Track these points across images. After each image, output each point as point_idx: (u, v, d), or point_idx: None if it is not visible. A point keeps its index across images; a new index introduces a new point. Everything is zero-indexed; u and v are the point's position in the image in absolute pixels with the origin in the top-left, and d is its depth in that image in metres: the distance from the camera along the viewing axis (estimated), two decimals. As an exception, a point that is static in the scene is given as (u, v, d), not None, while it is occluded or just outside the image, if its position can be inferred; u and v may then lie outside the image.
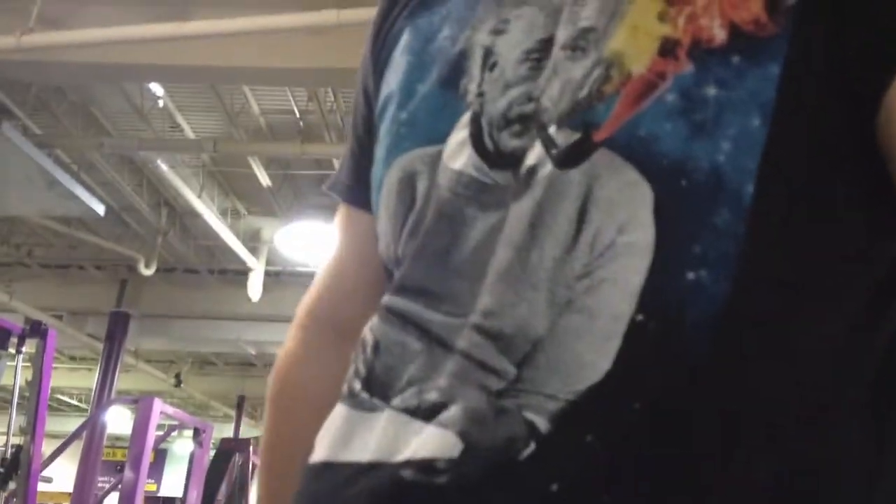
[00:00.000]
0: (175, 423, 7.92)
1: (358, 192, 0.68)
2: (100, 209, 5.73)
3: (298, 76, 4.71)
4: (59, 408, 17.02)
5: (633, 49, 0.46)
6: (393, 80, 0.60)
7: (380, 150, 0.59)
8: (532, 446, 0.42)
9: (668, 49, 0.45)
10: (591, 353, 0.43)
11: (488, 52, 0.53)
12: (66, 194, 5.37)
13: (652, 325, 0.42)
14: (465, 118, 0.52)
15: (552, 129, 0.47)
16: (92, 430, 8.68)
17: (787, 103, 0.42)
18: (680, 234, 0.43)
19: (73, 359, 13.55)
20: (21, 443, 4.82)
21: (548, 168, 0.46)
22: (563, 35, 0.50)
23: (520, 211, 0.47)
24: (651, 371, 0.42)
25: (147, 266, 8.29)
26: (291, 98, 5.93)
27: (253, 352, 10.80)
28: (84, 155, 6.78)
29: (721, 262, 0.42)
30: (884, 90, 0.42)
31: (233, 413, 15.50)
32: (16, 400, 4.95)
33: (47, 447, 5.80)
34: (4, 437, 4.93)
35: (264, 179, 7.06)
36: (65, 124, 6.28)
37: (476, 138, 0.51)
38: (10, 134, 4.65)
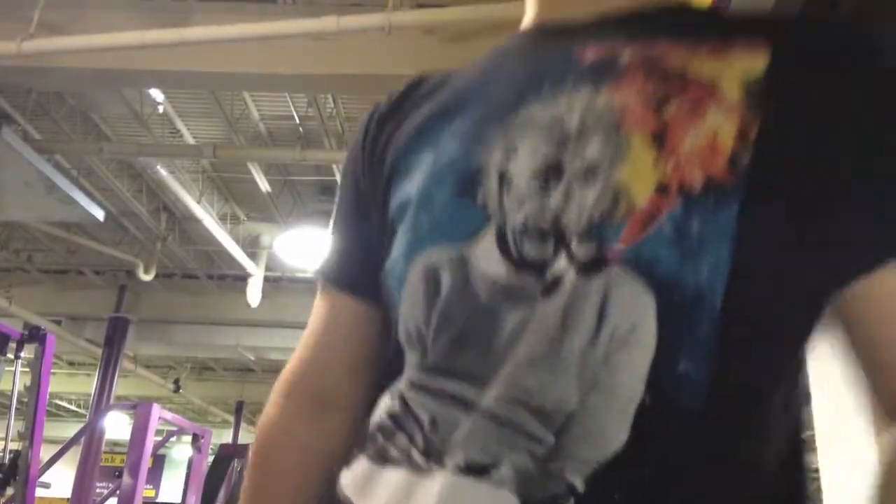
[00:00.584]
0: (174, 428, 7.92)
1: (343, 279, 0.80)
2: (99, 214, 5.74)
3: (298, 82, 4.72)
4: (58, 413, 17.01)
5: (636, 185, 0.58)
6: (409, 186, 0.70)
7: (400, 247, 0.68)
8: (572, 502, 0.54)
9: (661, 189, 0.58)
10: (613, 426, 0.55)
11: (503, 173, 0.64)
12: (65, 199, 5.38)
13: (656, 405, 0.55)
14: (490, 227, 0.63)
15: (573, 244, 0.59)
16: (90, 436, 8.67)
17: (745, 237, 0.56)
18: (674, 335, 0.55)
19: (71, 364, 13.54)
20: (19, 448, 4.82)
21: (572, 275, 0.58)
22: (571, 164, 0.62)
23: (550, 309, 0.58)
24: (656, 442, 0.55)
25: (146, 271, 8.30)
26: (291, 104, 5.94)
27: (252, 357, 10.80)
28: (84, 160, 6.79)
29: (701, 358, 0.55)
30: (845, 283, 0.60)
31: (231, 419, 15.49)
32: (14, 405, 4.94)
33: (45, 452, 5.80)
34: (3, 443, 4.92)
35: (264, 185, 7.07)
36: (65, 130, 6.29)
37: (502, 246, 0.62)
38: (10, 139, 4.65)
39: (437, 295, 0.64)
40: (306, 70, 4.40)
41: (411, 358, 0.66)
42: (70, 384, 14.25)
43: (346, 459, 0.69)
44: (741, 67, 0.62)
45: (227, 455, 8.82)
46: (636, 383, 0.55)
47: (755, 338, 0.59)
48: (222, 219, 7.73)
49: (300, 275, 9.09)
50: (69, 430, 14.56)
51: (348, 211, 0.82)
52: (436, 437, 0.60)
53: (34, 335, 4.98)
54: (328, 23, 3.90)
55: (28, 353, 5.06)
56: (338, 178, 6.81)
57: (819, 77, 0.61)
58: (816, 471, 4.18)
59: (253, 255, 8.38)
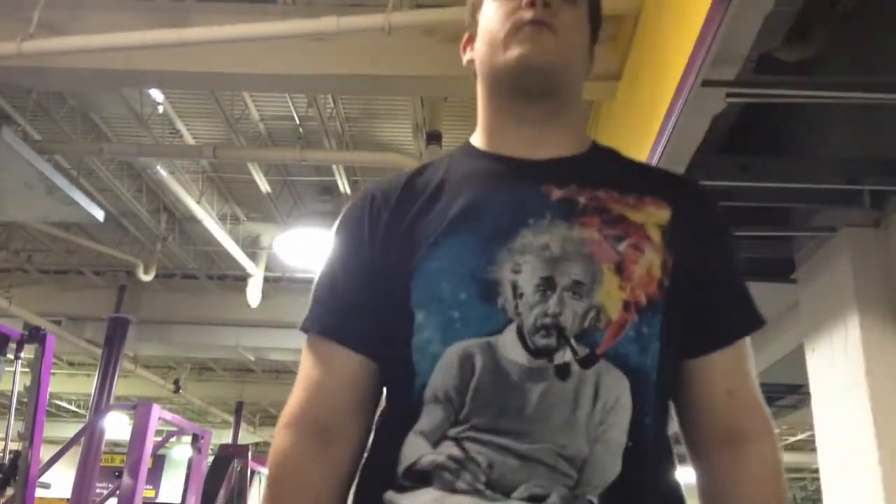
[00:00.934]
0: (173, 428, 7.92)
1: (344, 333, 1.02)
2: (99, 215, 5.74)
3: (298, 82, 4.72)
4: (58, 413, 17.01)
5: (609, 304, 0.94)
6: (433, 285, 0.97)
7: (433, 332, 0.95)
8: None
9: (626, 306, 0.94)
10: (611, 463, 0.91)
11: (515, 285, 0.95)
12: (65, 200, 5.38)
13: (635, 447, 0.93)
14: (511, 326, 0.94)
15: (573, 342, 0.93)
16: (90, 436, 8.67)
17: (665, 333, 0.96)
18: (641, 401, 0.94)
19: (71, 364, 13.54)
20: (19, 448, 4.82)
21: (576, 367, 0.93)
22: (561, 280, 0.95)
23: (565, 390, 0.92)
24: (637, 471, 0.93)
25: (146, 272, 8.30)
26: (291, 104, 5.94)
27: (252, 358, 10.79)
28: (83, 160, 6.79)
29: (652, 412, 0.95)
30: (703, 355, 1.03)
31: (231, 419, 15.49)
32: (14, 405, 4.94)
33: (45, 453, 5.79)
34: (3, 443, 4.92)
35: (264, 185, 7.07)
36: (64, 130, 6.29)
37: (522, 340, 0.94)
38: (10, 139, 4.65)
39: (473, 373, 0.93)
40: (306, 70, 4.40)
41: (436, 412, 0.94)
42: (70, 384, 14.24)
43: (399, 487, 0.93)
44: (657, 217, 1.02)
45: (227, 455, 8.82)
46: (622, 435, 0.93)
47: (665, 394, 1.01)
48: (222, 219, 7.73)
49: (300, 275, 9.09)
50: (69, 430, 14.55)
51: (357, 274, 1.03)
52: (495, 475, 0.90)
53: (34, 335, 4.98)
54: (328, 23, 3.89)
55: (28, 353, 5.06)
56: (338, 178, 6.82)
57: (697, 227, 1.05)
58: (816, 471, 4.17)
59: (253, 256, 8.38)
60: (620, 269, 0.96)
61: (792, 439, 15.62)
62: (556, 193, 1.01)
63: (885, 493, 3.21)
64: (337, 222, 1.11)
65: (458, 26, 4.69)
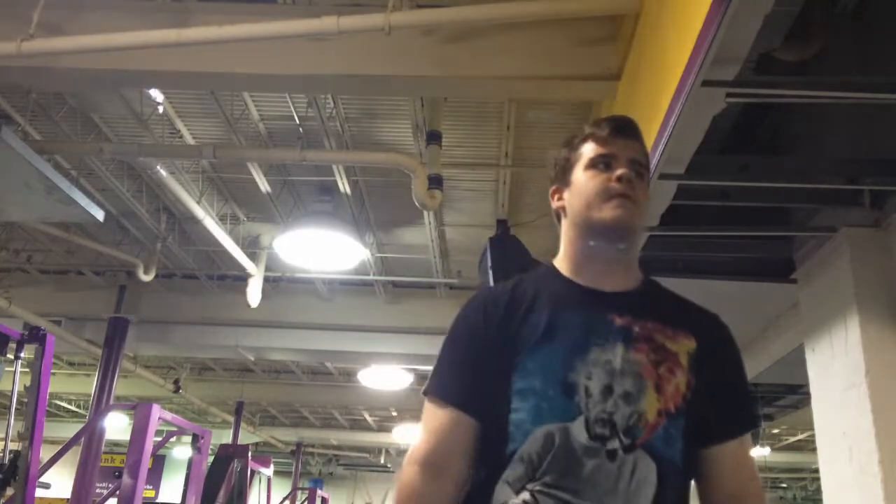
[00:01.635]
0: (174, 428, 7.92)
1: (471, 404, 1.43)
2: (99, 215, 5.73)
3: (298, 82, 4.72)
4: (58, 413, 17.01)
5: (649, 410, 1.37)
6: (529, 380, 1.39)
7: (526, 415, 1.37)
8: None
9: (659, 413, 1.37)
10: None
11: (587, 388, 1.37)
12: (65, 200, 5.37)
13: None
14: (581, 416, 1.35)
15: (622, 434, 1.34)
16: (90, 436, 8.68)
17: (687, 433, 1.40)
18: (663, 480, 1.35)
19: (71, 364, 13.54)
20: (19, 448, 4.82)
21: (622, 452, 1.34)
22: (618, 389, 1.37)
23: (613, 467, 1.33)
24: None
25: (146, 272, 8.29)
26: (291, 104, 5.94)
27: (252, 358, 10.79)
28: (83, 161, 6.79)
29: (675, 491, 1.38)
30: (720, 444, 1.47)
31: (231, 419, 15.49)
32: (14, 405, 4.94)
33: (45, 453, 5.79)
34: (2, 443, 4.92)
35: (264, 185, 7.07)
36: (64, 130, 6.28)
37: (587, 428, 1.34)
38: (10, 139, 4.65)
39: (552, 446, 1.34)
40: (306, 70, 4.40)
41: (519, 468, 1.35)
42: (70, 384, 14.24)
43: None
44: (686, 346, 1.45)
45: (227, 455, 8.82)
46: (647, 501, 1.33)
47: (687, 476, 1.43)
48: (222, 219, 7.72)
49: (300, 275, 9.09)
50: (69, 430, 14.55)
51: (475, 363, 1.45)
52: None
53: (34, 335, 4.97)
54: (328, 23, 3.89)
55: (28, 353, 5.06)
56: (338, 178, 6.82)
57: (715, 354, 1.49)
58: (816, 471, 4.17)
59: (253, 256, 8.38)
60: (658, 386, 1.39)
61: (792, 439, 15.61)
62: (618, 321, 1.43)
63: (885, 493, 3.21)
64: (458, 317, 1.54)
65: (458, 26, 4.71)
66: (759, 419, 1.60)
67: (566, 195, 1.56)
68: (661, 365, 1.40)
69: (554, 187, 1.60)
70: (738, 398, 1.51)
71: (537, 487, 1.32)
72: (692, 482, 1.47)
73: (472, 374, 1.44)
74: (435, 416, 1.44)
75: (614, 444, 1.33)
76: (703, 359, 1.44)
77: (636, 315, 1.44)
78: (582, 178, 1.52)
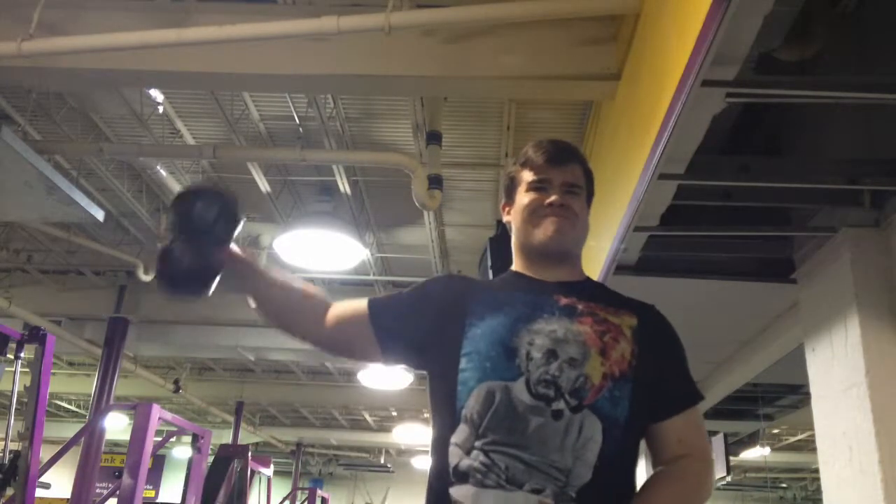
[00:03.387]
0: (174, 428, 7.92)
1: (387, 331, 1.68)
2: (99, 215, 5.73)
3: (298, 82, 4.71)
4: (58, 413, 17.00)
5: (594, 374, 1.49)
6: (476, 343, 1.53)
7: (471, 374, 1.51)
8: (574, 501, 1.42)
9: (605, 376, 1.49)
10: (585, 472, 1.43)
11: (528, 352, 1.50)
12: (65, 200, 5.37)
13: (601, 464, 1.44)
14: (522, 376, 1.48)
15: (567, 396, 1.47)
16: (90, 436, 8.67)
17: (634, 397, 1.51)
18: (608, 438, 1.46)
19: (71, 364, 13.53)
20: (19, 448, 4.82)
21: (568, 412, 1.46)
22: (562, 355, 1.50)
23: (559, 426, 1.45)
24: (601, 479, 1.44)
25: (146, 272, 8.29)
26: (291, 104, 5.94)
27: (252, 358, 10.78)
28: (83, 160, 6.78)
29: (617, 445, 1.47)
30: (663, 420, 1.59)
31: (231, 419, 15.47)
32: (14, 405, 4.94)
33: (45, 453, 5.79)
34: (2, 443, 4.92)
35: (264, 185, 7.07)
36: (64, 130, 6.28)
37: (528, 388, 1.47)
38: (10, 139, 4.65)
39: (493, 403, 1.46)
40: (306, 70, 4.40)
41: (464, 428, 1.47)
42: (70, 384, 14.23)
43: (450, 483, 1.45)
44: (628, 321, 1.59)
45: (227, 455, 8.83)
46: (593, 457, 1.43)
47: (633, 436, 1.53)
48: (222, 219, 7.70)
49: (300, 275, 9.08)
50: (69, 430, 14.55)
51: (419, 313, 1.67)
52: (510, 475, 1.41)
53: (34, 335, 4.98)
54: (328, 23, 3.89)
55: (28, 353, 5.06)
56: (338, 178, 6.82)
57: (656, 332, 1.63)
58: (816, 471, 4.17)
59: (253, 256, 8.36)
60: (603, 352, 1.51)
61: (792, 439, 15.60)
62: (563, 301, 1.58)
63: (885, 493, 3.21)
64: (425, 282, 1.75)
65: (458, 26, 4.70)
66: (699, 395, 1.66)
67: (512, 212, 1.74)
68: (605, 335, 1.53)
69: (503, 202, 1.79)
70: (679, 375, 1.64)
71: (485, 446, 1.43)
72: (641, 441, 1.59)
73: (415, 328, 1.65)
74: (352, 303, 1.72)
75: (559, 404, 1.44)
76: (644, 335, 1.57)
77: (579, 297, 1.59)
78: (521, 200, 1.70)
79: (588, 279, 1.74)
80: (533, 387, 1.46)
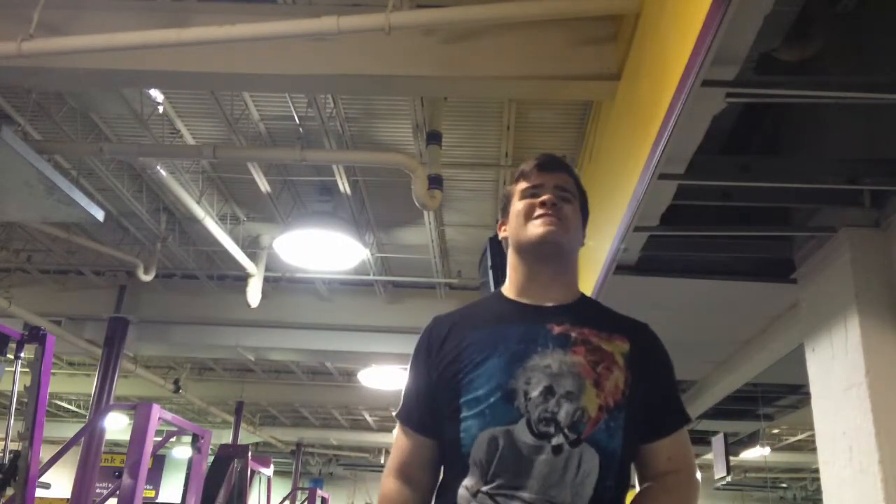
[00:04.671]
0: (174, 428, 7.91)
1: (423, 425, 1.66)
2: (99, 215, 5.73)
3: (298, 82, 4.72)
4: (58, 413, 17.01)
5: (590, 406, 1.51)
6: (475, 392, 1.54)
7: (473, 423, 1.53)
8: None
9: (601, 408, 1.52)
10: None
11: (526, 392, 1.51)
12: (65, 200, 5.37)
13: (596, 499, 1.47)
14: (523, 418, 1.49)
15: (566, 430, 1.48)
16: (90, 436, 8.67)
17: (627, 425, 1.54)
18: (605, 471, 1.49)
19: (71, 364, 13.54)
20: (19, 448, 4.82)
21: (567, 447, 1.48)
22: (558, 389, 1.51)
23: (559, 462, 1.47)
24: None
25: (146, 272, 8.29)
26: (291, 104, 5.94)
27: (252, 358, 10.78)
28: (83, 161, 6.78)
29: (614, 477, 1.51)
30: (653, 441, 1.63)
31: (231, 419, 15.48)
32: (14, 405, 4.94)
33: (45, 453, 5.79)
34: (2, 443, 4.92)
35: (264, 185, 7.07)
36: (64, 130, 6.28)
37: (530, 428, 1.49)
38: (10, 139, 4.65)
39: (497, 449, 1.49)
40: (306, 70, 4.40)
41: (475, 471, 1.50)
42: (70, 384, 14.23)
43: None
44: (621, 348, 1.60)
45: (227, 455, 8.82)
46: (591, 491, 1.47)
47: (627, 464, 1.56)
48: (222, 219, 7.72)
49: (300, 275, 9.09)
50: (69, 430, 14.56)
51: (427, 387, 1.65)
52: None
53: (34, 335, 4.98)
54: (328, 23, 3.89)
55: (28, 353, 5.06)
56: (338, 178, 6.82)
57: (647, 355, 1.65)
58: (816, 471, 4.17)
59: (253, 256, 8.38)
60: (597, 384, 1.53)
61: (792, 439, 15.61)
62: (557, 329, 1.59)
63: (885, 493, 3.21)
64: (413, 352, 1.74)
65: (458, 26, 4.70)
66: (688, 417, 1.70)
67: (507, 224, 1.78)
68: (598, 365, 1.55)
69: (499, 221, 1.83)
70: (669, 398, 1.69)
71: (490, 490, 1.47)
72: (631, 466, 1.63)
73: (426, 398, 1.65)
74: (401, 436, 1.71)
75: (559, 439, 1.47)
76: (636, 359, 1.60)
77: (573, 322, 1.60)
78: (516, 208, 1.74)
79: (582, 297, 1.74)
80: (535, 426, 1.48)
